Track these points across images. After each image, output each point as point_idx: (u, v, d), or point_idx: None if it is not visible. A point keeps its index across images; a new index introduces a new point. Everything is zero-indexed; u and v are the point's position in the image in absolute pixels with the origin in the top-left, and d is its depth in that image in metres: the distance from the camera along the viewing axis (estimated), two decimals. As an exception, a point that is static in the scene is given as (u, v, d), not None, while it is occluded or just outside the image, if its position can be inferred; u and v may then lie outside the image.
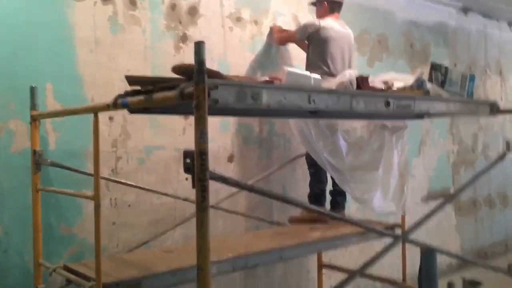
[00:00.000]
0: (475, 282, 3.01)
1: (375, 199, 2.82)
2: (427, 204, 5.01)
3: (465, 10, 5.49)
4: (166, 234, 2.96)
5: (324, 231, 3.05)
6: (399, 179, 2.89)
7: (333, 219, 3.01)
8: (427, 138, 5.05)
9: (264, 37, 3.65)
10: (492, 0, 5.36)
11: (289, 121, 3.21)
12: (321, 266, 3.62)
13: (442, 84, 2.50)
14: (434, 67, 2.51)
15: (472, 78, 2.58)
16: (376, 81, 2.43)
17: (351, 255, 4.10)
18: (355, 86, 2.35)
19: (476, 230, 5.65)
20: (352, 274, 2.05)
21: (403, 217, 3.48)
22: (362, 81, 2.36)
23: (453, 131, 5.35)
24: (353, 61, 3.46)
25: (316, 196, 3.28)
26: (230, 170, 3.38)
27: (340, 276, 3.49)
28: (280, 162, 3.61)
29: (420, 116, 2.72)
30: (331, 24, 3.26)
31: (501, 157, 2.64)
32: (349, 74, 2.39)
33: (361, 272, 2.11)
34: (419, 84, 2.26)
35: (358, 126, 2.86)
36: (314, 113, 2.28)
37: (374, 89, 2.42)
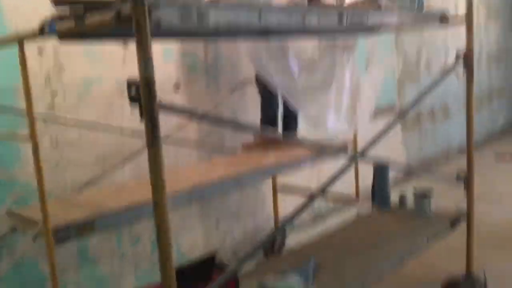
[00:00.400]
0: (424, 192, 3.12)
1: (328, 118, 2.79)
2: (375, 120, 5.11)
3: None
4: (116, 172, 2.83)
5: (278, 155, 3.02)
6: (351, 97, 2.86)
7: (286, 142, 2.98)
8: (373, 55, 5.03)
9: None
10: None
11: (238, 44, 3.04)
12: (275, 190, 3.64)
13: (392, -2, 2.41)
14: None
15: (423, -11, 2.50)
16: (326, -4, 2.30)
17: (302, 178, 4.16)
18: (306, 2, 2.21)
19: (420, 142, 5.88)
20: (312, 196, 2.03)
21: (355, 135, 3.52)
22: (312, -3, 2.23)
23: (397, 47, 5.37)
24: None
25: (267, 119, 3.22)
26: (177, 100, 3.23)
27: (295, 200, 3.54)
28: (229, 88, 3.49)
29: (372, 30, 2.64)
30: None
31: (448, 70, 2.64)
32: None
33: (321, 192, 2.10)
34: (371, -3, 2.15)
35: (309, 46, 2.75)
36: (266, 34, 2.15)
37: (325, 5, 2.30)
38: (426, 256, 2.93)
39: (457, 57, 2.61)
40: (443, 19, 2.53)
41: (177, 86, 3.21)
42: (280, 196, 3.70)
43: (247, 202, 3.81)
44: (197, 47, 3.34)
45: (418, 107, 5.78)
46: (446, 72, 2.64)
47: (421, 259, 2.91)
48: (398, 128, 5.45)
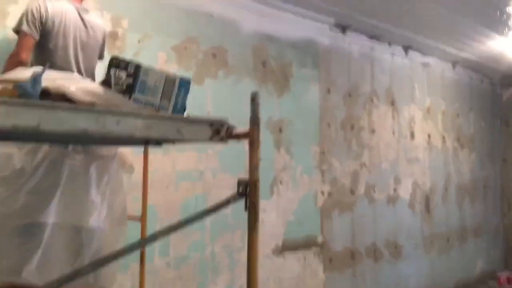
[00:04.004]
0: None
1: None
2: (282, 256, 4.10)
3: (343, 28, 4.74)
4: None
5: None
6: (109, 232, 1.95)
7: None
8: (283, 175, 4.17)
9: None
10: (374, 19, 4.62)
11: None
12: None
13: (129, 90, 1.62)
14: (116, 63, 1.63)
15: (185, 84, 1.71)
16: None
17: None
18: None
19: (354, 287, 4.73)
20: None
21: None
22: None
23: (323, 167, 4.50)
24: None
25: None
26: None
27: None
28: None
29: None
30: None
31: (225, 203, 1.75)
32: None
33: None
34: (20, 86, 1.32)
35: (14, 152, 1.91)
36: None
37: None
38: None
39: (239, 185, 1.73)
40: (218, 130, 1.69)
41: None
42: None
43: None
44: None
45: (352, 242, 4.74)
46: (219, 207, 1.73)
47: None
48: (319, 269, 4.38)
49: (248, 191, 1.72)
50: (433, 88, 5.94)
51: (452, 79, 6.27)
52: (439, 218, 5.88)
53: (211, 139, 1.69)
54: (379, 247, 5.03)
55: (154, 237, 1.89)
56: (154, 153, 3.13)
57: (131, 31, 3.24)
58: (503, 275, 4.95)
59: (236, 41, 3.87)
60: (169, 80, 1.68)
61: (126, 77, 1.61)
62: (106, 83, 1.62)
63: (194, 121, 1.68)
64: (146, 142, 2.15)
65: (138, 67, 1.65)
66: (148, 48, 3.30)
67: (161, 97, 1.65)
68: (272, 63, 4.14)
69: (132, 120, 1.49)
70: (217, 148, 3.55)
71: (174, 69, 3.43)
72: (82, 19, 2.40)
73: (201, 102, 3.57)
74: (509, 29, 4.84)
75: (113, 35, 3.12)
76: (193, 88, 3.50)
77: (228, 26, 3.83)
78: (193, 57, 3.59)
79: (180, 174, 3.45)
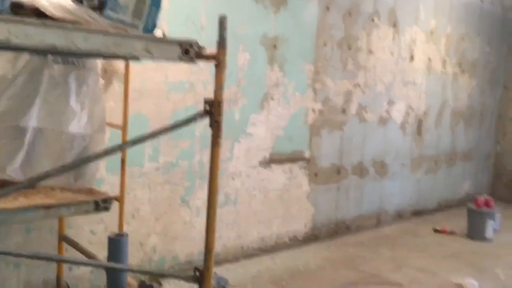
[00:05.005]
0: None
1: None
2: (269, 168, 4.34)
3: None
4: None
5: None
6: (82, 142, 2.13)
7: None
8: (275, 91, 4.29)
9: None
10: None
11: None
12: (62, 238, 2.93)
13: (100, 7, 1.70)
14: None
15: (157, 3, 1.78)
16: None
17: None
18: None
19: (337, 200, 5.02)
20: None
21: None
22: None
23: (315, 85, 4.59)
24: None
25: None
26: None
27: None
28: None
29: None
30: None
31: (190, 120, 1.90)
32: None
33: None
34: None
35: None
36: None
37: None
38: None
39: (205, 103, 1.86)
40: (188, 51, 1.79)
41: None
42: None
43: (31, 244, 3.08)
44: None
45: (339, 159, 4.96)
46: (185, 122, 1.88)
47: None
48: (304, 181, 4.63)
49: (213, 110, 1.85)
50: (440, 10, 5.81)
51: (462, 1, 6.10)
52: (430, 141, 6.04)
53: (180, 58, 1.79)
54: (366, 166, 5.25)
55: (132, 143, 2.07)
56: (146, 63, 3.24)
57: None
58: (482, 198, 5.18)
59: (234, -48, 3.80)
60: (140, -1, 1.75)
61: (98, -8, 1.69)
62: (78, -1, 1.71)
63: (163, 41, 1.78)
64: (118, 57, 2.25)
65: (110, -16, 1.72)
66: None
67: (132, 15, 1.73)
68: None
69: (100, 38, 1.59)
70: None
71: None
72: None
73: (193, 16, 3.61)
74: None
75: None
76: (185, 0, 3.56)
77: None
78: (188, -32, 3.56)
79: (172, 85, 3.58)
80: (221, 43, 1.83)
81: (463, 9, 6.13)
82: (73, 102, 2.08)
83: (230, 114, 3.91)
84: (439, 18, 5.81)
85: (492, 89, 6.94)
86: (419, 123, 5.83)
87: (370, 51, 5.04)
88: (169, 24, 3.37)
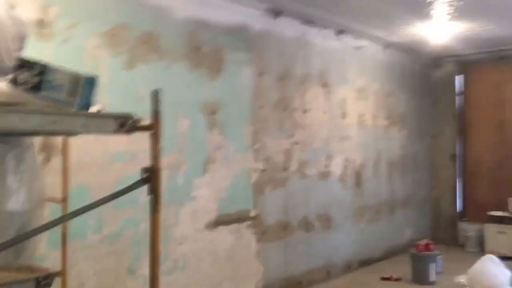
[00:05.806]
0: None
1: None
2: (215, 230, 4.39)
3: (275, 14, 4.96)
4: None
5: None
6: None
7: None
8: (216, 154, 4.42)
9: None
10: (306, 5, 4.86)
11: None
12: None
13: (36, 88, 1.80)
14: (24, 65, 1.81)
15: (91, 82, 1.90)
16: None
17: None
18: None
19: (286, 256, 5.10)
20: None
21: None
22: None
23: (256, 146, 4.78)
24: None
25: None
26: None
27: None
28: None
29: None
30: None
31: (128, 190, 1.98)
32: None
33: None
34: None
35: None
36: None
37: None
38: None
39: (142, 172, 1.96)
40: (124, 123, 1.90)
41: None
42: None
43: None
44: None
45: (285, 215, 5.09)
46: (125, 191, 1.96)
47: None
48: (252, 240, 4.70)
49: (151, 178, 1.94)
50: (366, 70, 6.29)
51: (384, 61, 6.64)
52: (369, 191, 6.32)
53: (116, 132, 1.90)
54: (311, 220, 5.41)
55: (72, 215, 2.10)
56: (85, 137, 3.29)
57: (60, 18, 3.33)
58: (422, 242, 5.43)
59: (168, 27, 4.03)
60: (74, 79, 1.86)
61: (33, 76, 1.79)
62: (14, 82, 1.80)
63: (99, 116, 1.89)
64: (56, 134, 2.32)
65: (44, 67, 1.83)
66: (77, 35, 3.41)
67: (67, 94, 1.84)
68: (205, 48, 4.33)
69: (37, 117, 1.68)
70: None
71: (104, 55, 3.58)
72: None
73: (132, 87, 3.74)
74: (431, 16, 5.19)
75: (40, 23, 3.22)
76: (124, 73, 3.71)
77: (159, 12, 3.98)
78: (124, 43, 3.73)
79: (113, 155, 3.63)
80: (155, 114, 1.95)
81: (385, 68, 6.67)
82: (10, 181, 2.11)
83: (173, 179, 3.99)
84: (365, 77, 6.28)
85: (421, 139, 7.44)
86: (357, 175, 6.12)
87: (305, 111, 5.34)
88: (109, 96, 3.46)
